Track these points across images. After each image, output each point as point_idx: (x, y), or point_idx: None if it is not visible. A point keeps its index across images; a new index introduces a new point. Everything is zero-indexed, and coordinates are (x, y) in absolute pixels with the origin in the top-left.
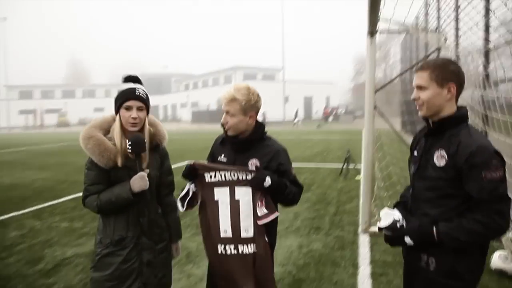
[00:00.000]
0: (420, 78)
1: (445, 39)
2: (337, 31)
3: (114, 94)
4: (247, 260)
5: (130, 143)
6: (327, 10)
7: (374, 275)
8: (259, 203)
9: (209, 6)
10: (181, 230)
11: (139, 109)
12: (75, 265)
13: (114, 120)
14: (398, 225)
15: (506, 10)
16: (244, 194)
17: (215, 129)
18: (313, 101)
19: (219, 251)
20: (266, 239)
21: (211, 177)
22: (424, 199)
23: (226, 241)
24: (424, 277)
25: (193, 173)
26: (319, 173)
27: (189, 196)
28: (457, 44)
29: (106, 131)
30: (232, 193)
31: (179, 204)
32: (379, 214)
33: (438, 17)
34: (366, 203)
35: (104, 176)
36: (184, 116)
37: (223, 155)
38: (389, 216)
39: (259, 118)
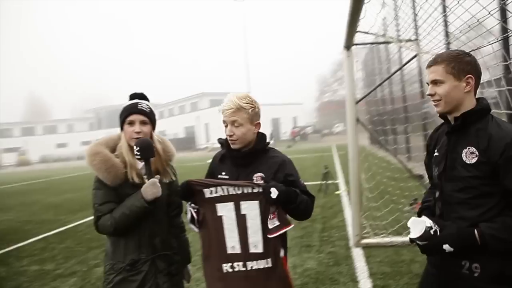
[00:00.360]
0: (434, 72)
1: (420, 51)
2: (300, 52)
3: (77, 129)
4: (257, 277)
5: (138, 148)
6: (289, 33)
7: None
8: (271, 215)
9: (172, 34)
10: (190, 254)
11: (142, 123)
12: None
13: (119, 138)
14: (432, 232)
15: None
16: (250, 208)
17: (184, 157)
18: (280, 122)
19: (224, 270)
20: (282, 254)
21: (211, 192)
22: (458, 202)
23: (234, 258)
24: (467, 285)
25: (189, 191)
26: None
27: (196, 217)
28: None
29: (112, 149)
30: (237, 208)
31: (192, 227)
32: (370, 226)
33: (416, 26)
34: (356, 216)
35: (114, 194)
36: None
37: (223, 172)
38: (419, 224)
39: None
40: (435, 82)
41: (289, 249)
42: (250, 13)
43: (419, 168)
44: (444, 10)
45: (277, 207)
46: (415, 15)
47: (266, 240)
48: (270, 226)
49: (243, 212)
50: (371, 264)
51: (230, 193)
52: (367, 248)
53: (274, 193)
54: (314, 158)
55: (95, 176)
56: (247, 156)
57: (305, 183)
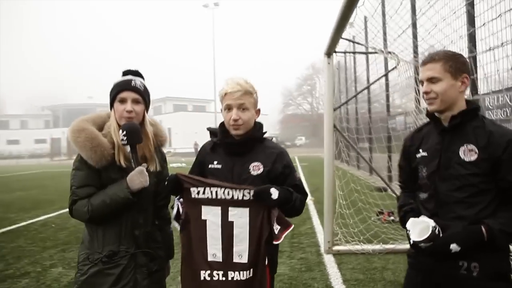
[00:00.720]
0: (431, 69)
1: (398, 60)
2: (267, 64)
3: (31, 125)
4: (240, 287)
5: (124, 132)
6: (257, 45)
7: None
8: (274, 219)
9: (137, 35)
10: (173, 248)
11: (135, 101)
12: None
13: (108, 116)
14: (436, 232)
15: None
16: (239, 216)
17: None
18: None
19: (202, 277)
20: (266, 262)
21: (198, 193)
22: (455, 201)
23: (214, 266)
24: (465, 286)
25: (177, 185)
26: None
27: (181, 213)
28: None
29: (100, 127)
30: (224, 214)
31: (175, 225)
32: (341, 234)
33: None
34: (329, 222)
35: (95, 177)
36: None
37: (215, 161)
38: (420, 225)
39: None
40: (431, 80)
41: None
42: (219, 21)
43: (381, 182)
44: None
45: (273, 209)
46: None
47: (252, 250)
48: (276, 232)
49: (230, 219)
50: (344, 271)
51: (219, 197)
52: (338, 255)
53: (274, 193)
54: None
55: (77, 155)
56: (245, 144)
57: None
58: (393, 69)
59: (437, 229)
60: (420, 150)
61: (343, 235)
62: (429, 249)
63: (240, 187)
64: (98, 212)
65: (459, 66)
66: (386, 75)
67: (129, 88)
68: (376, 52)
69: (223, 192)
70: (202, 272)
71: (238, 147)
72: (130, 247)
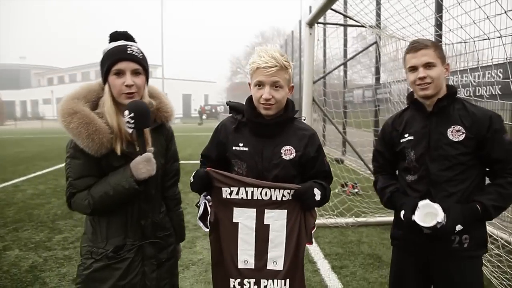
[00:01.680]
0: (427, 55)
1: (380, 35)
2: (216, 30)
3: None
4: None
5: (132, 114)
6: (206, 12)
7: (334, 269)
8: (311, 221)
9: None
10: (185, 230)
11: (134, 73)
12: None
13: (102, 89)
14: (444, 221)
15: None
16: (276, 218)
17: None
18: (192, 98)
19: (231, 286)
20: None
21: (231, 193)
22: (446, 180)
23: (245, 274)
24: (458, 257)
25: (208, 183)
26: None
27: (210, 213)
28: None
29: (94, 104)
30: (260, 217)
31: (200, 224)
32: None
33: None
34: None
35: (94, 165)
36: (48, 114)
37: (241, 144)
38: (427, 209)
39: None
40: (428, 65)
41: None
42: None
43: (336, 153)
44: None
45: (314, 210)
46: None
47: (289, 256)
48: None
49: (266, 222)
50: (322, 245)
51: (255, 198)
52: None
53: (318, 195)
54: None
55: (70, 140)
56: (277, 124)
57: None
58: (374, 43)
59: (444, 220)
60: (406, 135)
61: (317, 209)
62: (439, 233)
63: (280, 186)
64: (101, 205)
65: (443, 54)
66: (367, 48)
67: (126, 57)
68: (360, 26)
69: (260, 193)
70: (232, 280)
71: (269, 128)
72: (136, 239)
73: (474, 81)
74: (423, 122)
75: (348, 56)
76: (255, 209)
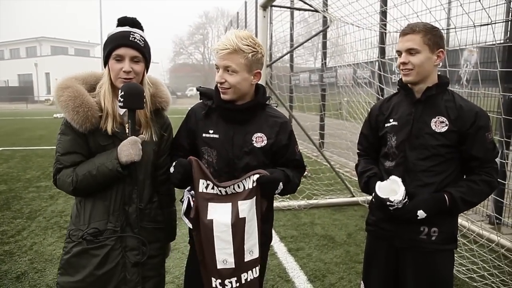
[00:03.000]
0: (411, 41)
1: (331, 18)
2: (156, 10)
3: None
4: (253, 285)
5: (122, 93)
6: None
7: (291, 251)
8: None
9: None
10: (176, 229)
11: (133, 60)
12: None
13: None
14: (404, 196)
15: None
16: (249, 209)
17: (19, 110)
18: None
19: (214, 285)
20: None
21: (207, 186)
22: (422, 169)
23: (224, 274)
24: (424, 249)
25: (189, 175)
26: None
27: (192, 209)
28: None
29: (91, 87)
30: (235, 211)
31: (186, 221)
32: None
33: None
34: None
35: (82, 143)
36: None
37: (211, 131)
38: (392, 186)
39: None
40: (410, 51)
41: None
42: None
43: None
44: None
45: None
46: None
47: (259, 240)
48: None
49: (241, 215)
50: (277, 228)
51: (229, 193)
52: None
53: (280, 188)
54: (174, 119)
55: (63, 118)
56: (248, 110)
57: None
58: (327, 27)
59: (401, 202)
60: (391, 120)
61: None
62: (397, 212)
63: (249, 174)
64: (83, 183)
65: (437, 40)
66: (321, 31)
67: (127, 43)
68: (313, 10)
69: (234, 188)
70: (213, 279)
71: (239, 114)
72: (119, 226)
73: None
74: (409, 109)
75: (294, 40)
76: (230, 203)
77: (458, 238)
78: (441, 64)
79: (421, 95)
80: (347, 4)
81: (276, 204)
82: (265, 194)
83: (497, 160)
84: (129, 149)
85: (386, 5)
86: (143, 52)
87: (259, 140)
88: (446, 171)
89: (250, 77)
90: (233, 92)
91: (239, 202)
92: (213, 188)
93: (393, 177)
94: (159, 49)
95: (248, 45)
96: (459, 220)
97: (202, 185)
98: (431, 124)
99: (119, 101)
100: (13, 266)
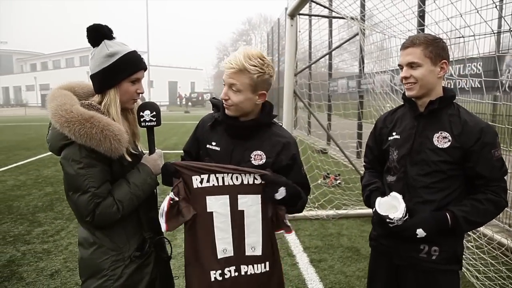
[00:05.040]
0: (412, 54)
1: (361, 26)
2: (201, 18)
3: None
4: (251, 283)
5: (154, 113)
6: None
7: (313, 262)
8: (281, 212)
9: None
10: None
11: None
12: None
13: (89, 92)
14: (405, 214)
15: None
16: (250, 204)
17: None
18: (178, 86)
19: (212, 278)
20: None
21: (201, 181)
22: (423, 186)
23: (225, 263)
24: (424, 268)
25: (175, 177)
26: None
27: (165, 209)
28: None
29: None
30: (233, 203)
31: (161, 222)
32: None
33: (364, 5)
34: None
35: (108, 169)
36: (31, 100)
37: (214, 142)
38: (392, 202)
39: None
40: (411, 65)
41: None
42: None
43: (321, 143)
44: None
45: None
46: None
47: (266, 240)
48: (287, 223)
49: (240, 208)
50: (302, 238)
51: (226, 184)
52: (294, 221)
53: (281, 194)
54: None
55: (77, 151)
56: (247, 128)
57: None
58: (355, 35)
59: (401, 219)
60: (394, 133)
61: None
62: (396, 229)
63: (250, 171)
64: (129, 207)
65: (439, 52)
66: (350, 39)
67: (144, 66)
68: (341, 17)
69: (231, 178)
70: (213, 272)
71: (240, 130)
72: (151, 232)
73: (455, 74)
74: (412, 122)
75: (333, 46)
76: (228, 195)
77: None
78: (444, 75)
79: (424, 109)
80: (383, 9)
81: (303, 213)
82: (265, 195)
83: (506, 178)
84: (158, 163)
85: (424, 4)
86: (146, 69)
87: (258, 158)
88: (448, 189)
89: (255, 97)
90: (236, 110)
91: (239, 196)
92: (208, 180)
93: (393, 194)
94: (203, 56)
95: (255, 66)
96: (481, 229)
97: (196, 181)
98: (433, 139)
99: (151, 120)
100: (49, 264)
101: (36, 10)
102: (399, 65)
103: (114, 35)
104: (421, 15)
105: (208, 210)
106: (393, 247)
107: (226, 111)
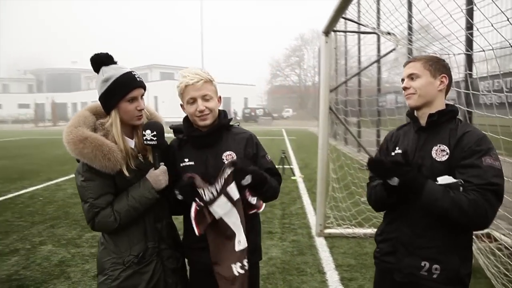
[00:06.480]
0: (412, 67)
1: (397, 41)
2: (254, 35)
3: (13, 89)
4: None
5: (154, 132)
6: (246, 14)
7: (343, 280)
8: (247, 193)
9: (124, 2)
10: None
11: (141, 97)
12: None
13: (94, 115)
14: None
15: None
16: (233, 194)
17: None
18: (231, 101)
19: (235, 272)
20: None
21: (205, 195)
22: None
23: (241, 256)
24: (423, 286)
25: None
26: None
27: (193, 215)
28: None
29: (92, 129)
30: (229, 198)
31: (194, 227)
32: (333, 217)
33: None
34: (321, 205)
35: (110, 183)
36: None
37: (186, 159)
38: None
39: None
40: (411, 76)
41: None
42: None
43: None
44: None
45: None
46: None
47: (244, 229)
48: (253, 202)
49: (235, 198)
50: (336, 255)
51: (218, 189)
52: (329, 238)
53: (247, 181)
54: (266, 141)
55: (81, 165)
56: (213, 134)
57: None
58: (392, 50)
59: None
60: (397, 148)
61: (335, 218)
62: (380, 165)
63: (224, 167)
64: (126, 218)
65: (439, 67)
66: (385, 55)
67: (138, 84)
68: (375, 33)
69: (219, 183)
70: (233, 266)
71: (207, 139)
72: (155, 242)
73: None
74: (414, 136)
75: (381, 62)
76: (222, 195)
77: None
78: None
79: (425, 123)
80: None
81: (340, 230)
82: (236, 181)
83: (499, 189)
84: (164, 178)
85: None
86: (145, 87)
87: (229, 157)
88: None
89: (217, 103)
90: (212, 116)
91: (227, 189)
92: (205, 194)
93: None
94: (256, 72)
95: (209, 76)
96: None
97: (202, 194)
98: (432, 152)
99: (152, 139)
100: (93, 266)
101: (105, 32)
102: (402, 79)
103: (115, 60)
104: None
105: (217, 217)
106: (394, 264)
107: (203, 122)
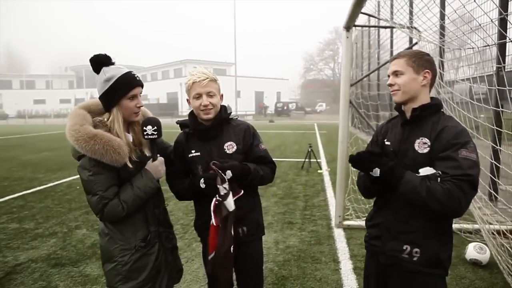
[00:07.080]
0: (396, 64)
1: (420, 36)
2: (287, 29)
3: (56, 86)
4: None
5: (155, 127)
6: (279, 9)
7: (356, 270)
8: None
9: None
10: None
11: (140, 94)
12: (31, 271)
13: (95, 113)
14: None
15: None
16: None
17: (166, 123)
18: (264, 96)
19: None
20: None
21: (221, 191)
22: None
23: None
24: (405, 268)
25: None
26: (280, 166)
27: (217, 208)
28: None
29: (92, 126)
30: (233, 192)
31: (213, 218)
32: (352, 209)
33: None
34: (340, 197)
35: (115, 175)
36: None
37: (193, 150)
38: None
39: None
40: (395, 73)
41: (272, 224)
42: None
43: None
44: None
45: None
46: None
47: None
48: (221, 192)
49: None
50: (352, 246)
51: (227, 187)
52: (348, 229)
53: (228, 175)
54: (297, 135)
55: (87, 161)
56: (216, 127)
57: (285, 159)
58: (415, 44)
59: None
60: (385, 140)
61: (354, 210)
62: (360, 159)
63: (214, 169)
64: (133, 207)
65: (422, 63)
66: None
67: (138, 83)
68: (392, 27)
69: (226, 184)
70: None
71: (211, 131)
72: (155, 226)
73: None
74: (400, 129)
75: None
76: (230, 192)
77: None
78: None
79: (410, 116)
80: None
81: (359, 222)
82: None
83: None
84: (163, 168)
85: (507, 10)
86: (143, 85)
87: (230, 147)
88: None
89: (219, 99)
90: (214, 111)
91: (224, 185)
92: (220, 190)
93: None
94: (290, 66)
95: (214, 75)
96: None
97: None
98: (415, 144)
99: (152, 134)
100: None
101: (135, 27)
102: (388, 75)
103: (113, 61)
104: (502, 18)
105: (230, 210)
106: (380, 247)
107: (207, 116)
